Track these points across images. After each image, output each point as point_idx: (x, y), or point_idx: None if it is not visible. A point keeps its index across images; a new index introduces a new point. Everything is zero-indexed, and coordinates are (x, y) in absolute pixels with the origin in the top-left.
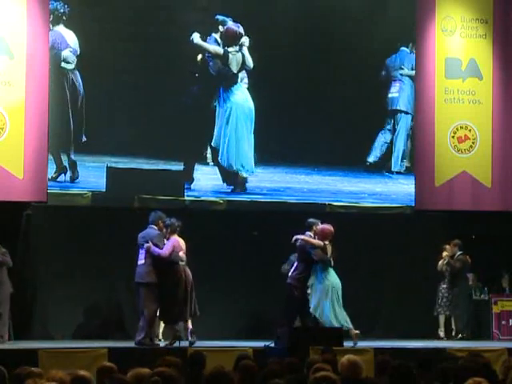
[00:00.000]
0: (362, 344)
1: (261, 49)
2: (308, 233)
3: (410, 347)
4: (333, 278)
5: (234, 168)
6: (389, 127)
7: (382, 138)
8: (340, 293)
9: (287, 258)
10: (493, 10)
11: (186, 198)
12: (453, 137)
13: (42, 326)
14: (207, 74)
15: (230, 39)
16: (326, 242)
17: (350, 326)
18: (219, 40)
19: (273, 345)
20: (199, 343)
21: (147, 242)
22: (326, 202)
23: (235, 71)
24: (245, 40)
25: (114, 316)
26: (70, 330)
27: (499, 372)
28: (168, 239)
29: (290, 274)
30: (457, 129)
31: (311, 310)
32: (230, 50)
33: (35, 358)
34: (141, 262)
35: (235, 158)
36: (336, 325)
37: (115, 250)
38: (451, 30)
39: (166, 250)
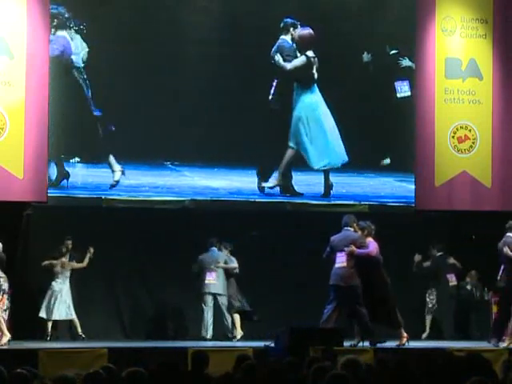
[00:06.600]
0: (361, 344)
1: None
2: (508, 234)
3: (410, 347)
4: None
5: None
6: None
7: None
8: None
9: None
10: (493, 10)
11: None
12: (453, 137)
13: (42, 325)
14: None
15: (307, 44)
16: None
17: None
18: (291, 42)
19: (273, 345)
20: (199, 343)
21: (347, 246)
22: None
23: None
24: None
25: (114, 316)
26: (71, 330)
27: (499, 372)
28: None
29: (499, 277)
30: (457, 129)
31: None
32: (309, 54)
33: (35, 358)
34: (342, 264)
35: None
36: None
37: (115, 250)
38: (451, 30)
39: (372, 248)
